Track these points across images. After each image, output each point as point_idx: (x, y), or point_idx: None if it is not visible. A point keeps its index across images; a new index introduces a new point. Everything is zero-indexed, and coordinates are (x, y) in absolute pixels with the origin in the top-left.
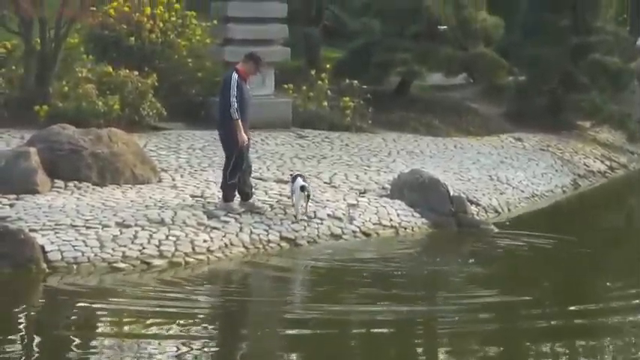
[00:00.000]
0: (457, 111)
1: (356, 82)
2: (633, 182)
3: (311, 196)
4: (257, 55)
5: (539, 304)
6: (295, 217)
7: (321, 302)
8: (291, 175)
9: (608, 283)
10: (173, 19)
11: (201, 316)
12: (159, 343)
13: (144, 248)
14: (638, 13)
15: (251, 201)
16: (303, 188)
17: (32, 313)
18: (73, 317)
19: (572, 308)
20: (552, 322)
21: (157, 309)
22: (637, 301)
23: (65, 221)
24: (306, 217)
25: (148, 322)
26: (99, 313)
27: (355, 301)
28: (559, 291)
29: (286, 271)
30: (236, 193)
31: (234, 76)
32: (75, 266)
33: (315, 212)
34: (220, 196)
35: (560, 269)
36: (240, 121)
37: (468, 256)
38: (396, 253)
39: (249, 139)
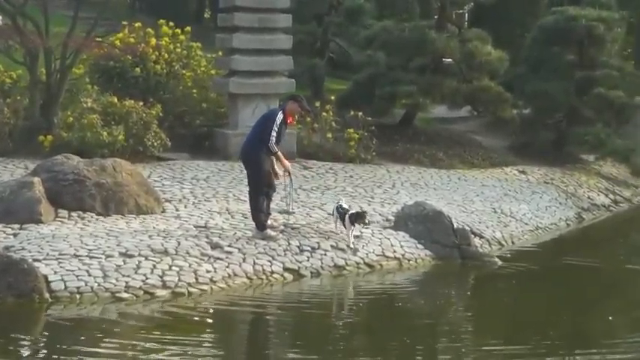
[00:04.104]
0: (461, 143)
1: (360, 113)
2: (637, 216)
3: None
4: (298, 95)
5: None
6: None
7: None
8: None
9: (610, 317)
10: (178, 50)
11: None
12: None
13: (147, 278)
14: None
15: (267, 231)
16: None
17: (33, 343)
18: (74, 347)
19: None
20: None
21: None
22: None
23: (68, 251)
24: None
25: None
26: (101, 342)
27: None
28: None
29: (273, 309)
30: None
31: (281, 116)
32: (78, 296)
33: (318, 243)
34: (254, 226)
35: (566, 307)
36: (279, 153)
37: (470, 293)
38: (398, 290)
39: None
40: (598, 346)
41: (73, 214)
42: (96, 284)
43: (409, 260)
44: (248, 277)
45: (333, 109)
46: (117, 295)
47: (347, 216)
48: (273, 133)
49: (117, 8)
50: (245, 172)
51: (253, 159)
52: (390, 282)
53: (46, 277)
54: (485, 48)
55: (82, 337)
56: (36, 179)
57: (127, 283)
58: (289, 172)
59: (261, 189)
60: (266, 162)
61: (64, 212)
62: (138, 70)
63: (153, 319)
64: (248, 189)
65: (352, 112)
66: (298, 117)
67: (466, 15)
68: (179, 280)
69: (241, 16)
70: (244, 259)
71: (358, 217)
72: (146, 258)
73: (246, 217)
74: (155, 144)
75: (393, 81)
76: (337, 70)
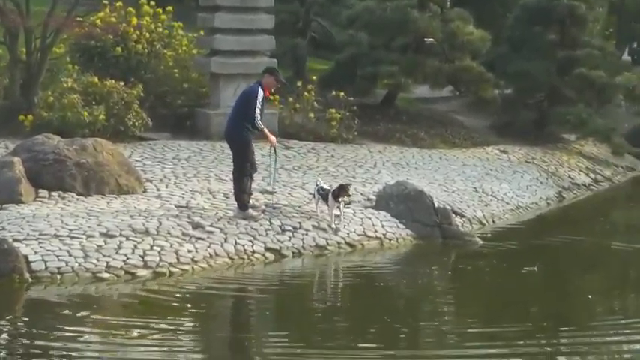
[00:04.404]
0: (443, 123)
1: (342, 93)
2: (617, 195)
3: None
4: (273, 67)
5: (528, 334)
6: None
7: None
8: None
9: (590, 297)
10: (159, 29)
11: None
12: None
13: (128, 258)
14: (624, 28)
15: (249, 211)
16: None
17: (13, 324)
18: (54, 328)
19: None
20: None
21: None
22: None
23: (49, 231)
24: None
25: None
26: (82, 323)
27: (332, 343)
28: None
29: (254, 289)
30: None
31: (261, 92)
32: (59, 276)
33: (300, 223)
34: (235, 206)
35: (547, 286)
36: (265, 129)
37: (452, 272)
38: (380, 270)
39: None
40: (580, 326)
41: (54, 194)
42: (77, 264)
43: (390, 240)
44: (229, 257)
45: (315, 89)
46: (98, 275)
47: (330, 194)
48: (257, 110)
49: None
50: (227, 151)
51: (238, 139)
52: (371, 261)
53: (26, 257)
54: (468, 28)
55: (63, 318)
56: (16, 159)
57: (108, 263)
58: (275, 148)
59: (246, 169)
60: (251, 142)
61: (44, 192)
62: (119, 49)
63: (134, 299)
64: (233, 169)
65: (334, 92)
66: (280, 97)
67: None
68: (160, 259)
69: None
70: (226, 239)
71: (342, 190)
72: (127, 238)
73: (227, 197)
74: (136, 124)
75: (375, 61)
76: (319, 50)
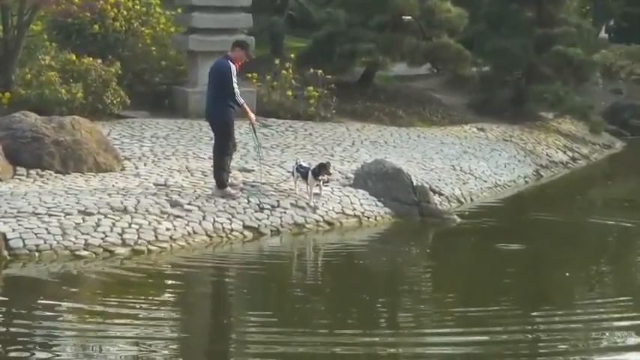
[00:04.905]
0: (421, 101)
1: (320, 71)
2: (595, 173)
3: None
4: (244, 41)
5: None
6: None
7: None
8: None
9: (567, 274)
10: (137, 7)
11: None
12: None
13: (106, 236)
14: (600, 5)
15: (227, 189)
16: None
17: None
18: (33, 306)
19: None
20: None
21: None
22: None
23: (27, 209)
24: None
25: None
26: (60, 301)
27: (313, 328)
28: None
29: (233, 268)
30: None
31: (233, 66)
32: (37, 254)
33: (278, 201)
34: (213, 184)
35: (524, 264)
36: (245, 104)
37: (430, 250)
38: (358, 248)
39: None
40: (557, 306)
41: (32, 171)
42: (55, 242)
43: (369, 218)
44: (208, 235)
45: (293, 67)
46: (76, 253)
47: (310, 172)
48: (235, 86)
49: None
50: (205, 129)
51: (221, 117)
52: (349, 240)
53: (4, 235)
54: (445, 5)
55: (42, 296)
56: None
57: (86, 240)
58: (253, 124)
59: (228, 147)
60: (233, 120)
61: (22, 170)
62: (96, 27)
63: (112, 277)
64: (213, 147)
65: (312, 70)
66: (258, 75)
67: None
68: (139, 237)
69: None
70: (204, 217)
71: (322, 168)
72: (105, 216)
73: (205, 175)
74: (114, 102)
75: (353, 39)
76: (297, 28)
